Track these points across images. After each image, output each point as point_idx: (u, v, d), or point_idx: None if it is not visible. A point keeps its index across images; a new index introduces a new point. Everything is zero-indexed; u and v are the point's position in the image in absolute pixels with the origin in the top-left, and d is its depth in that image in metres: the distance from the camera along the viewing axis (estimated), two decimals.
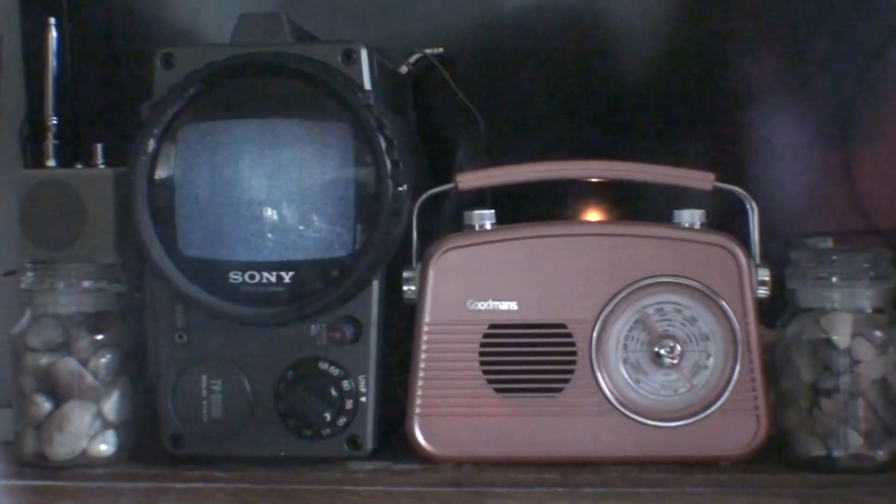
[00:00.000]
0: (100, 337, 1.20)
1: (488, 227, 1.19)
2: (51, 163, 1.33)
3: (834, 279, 1.14)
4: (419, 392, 1.17)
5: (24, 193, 1.28)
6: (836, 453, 1.13)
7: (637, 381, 1.16)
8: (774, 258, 1.18)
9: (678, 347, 1.15)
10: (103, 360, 1.19)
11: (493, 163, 1.31)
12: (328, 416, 1.16)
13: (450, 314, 1.17)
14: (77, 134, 1.37)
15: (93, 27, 1.45)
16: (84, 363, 1.19)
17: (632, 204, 1.38)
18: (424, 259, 1.18)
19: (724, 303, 1.15)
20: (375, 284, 1.17)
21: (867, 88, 1.40)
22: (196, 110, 1.16)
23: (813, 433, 1.13)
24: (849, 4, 1.41)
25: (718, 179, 1.19)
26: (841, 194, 1.39)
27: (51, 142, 1.33)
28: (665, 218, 1.19)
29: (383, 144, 1.14)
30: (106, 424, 1.20)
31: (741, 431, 1.15)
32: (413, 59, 1.40)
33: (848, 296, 1.14)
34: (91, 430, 1.19)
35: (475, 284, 1.17)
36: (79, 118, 1.41)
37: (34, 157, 1.39)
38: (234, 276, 1.16)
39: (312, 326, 1.17)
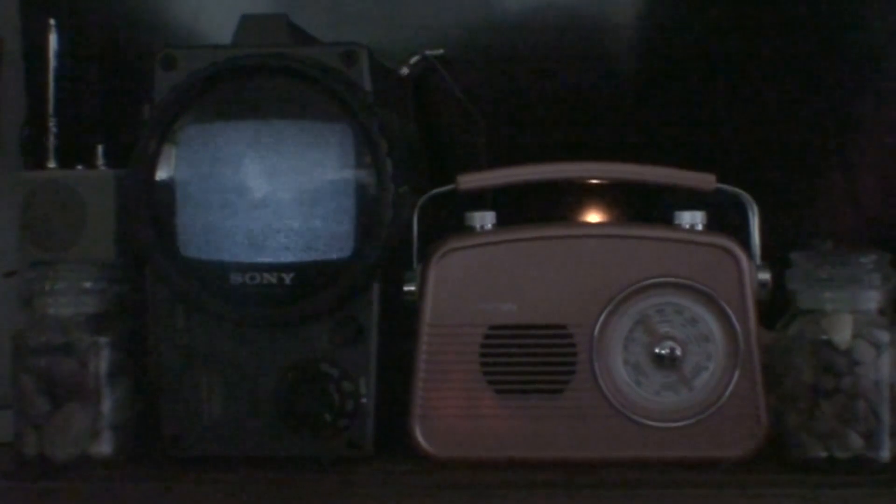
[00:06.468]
0: (100, 338, 1.20)
1: (489, 228, 1.19)
2: (51, 164, 1.32)
3: (834, 280, 1.14)
4: (419, 393, 1.17)
5: (24, 194, 1.28)
6: (837, 455, 1.13)
7: (637, 383, 1.16)
8: (775, 259, 1.18)
9: (679, 349, 1.15)
10: (103, 361, 1.19)
11: (494, 164, 1.31)
12: (328, 418, 1.16)
13: (450, 315, 1.17)
14: (77, 135, 1.37)
15: (93, 28, 1.45)
16: (84, 364, 1.19)
17: (632, 205, 1.38)
18: (425, 260, 1.18)
19: (724, 304, 1.15)
20: (376, 286, 1.17)
21: (868, 89, 1.40)
22: (197, 111, 1.16)
23: (813, 434, 1.13)
24: (849, 5, 1.41)
25: (719, 181, 1.19)
26: (841, 195, 1.39)
27: (51, 143, 1.33)
28: (666, 219, 1.19)
29: (384, 146, 1.14)
30: (106, 425, 1.20)
31: (742, 433, 1.15)
32: (413, 60, 1.40)
33: (848, 297, 1.14)
34: (91, 431, 1.19)
35: (476, 285, 1.17)
36: (79, 119, 1.41)
37: (35, 159, 1.38)
38: (235, 277, 1.15)
39: (313, 327, 1.17)
